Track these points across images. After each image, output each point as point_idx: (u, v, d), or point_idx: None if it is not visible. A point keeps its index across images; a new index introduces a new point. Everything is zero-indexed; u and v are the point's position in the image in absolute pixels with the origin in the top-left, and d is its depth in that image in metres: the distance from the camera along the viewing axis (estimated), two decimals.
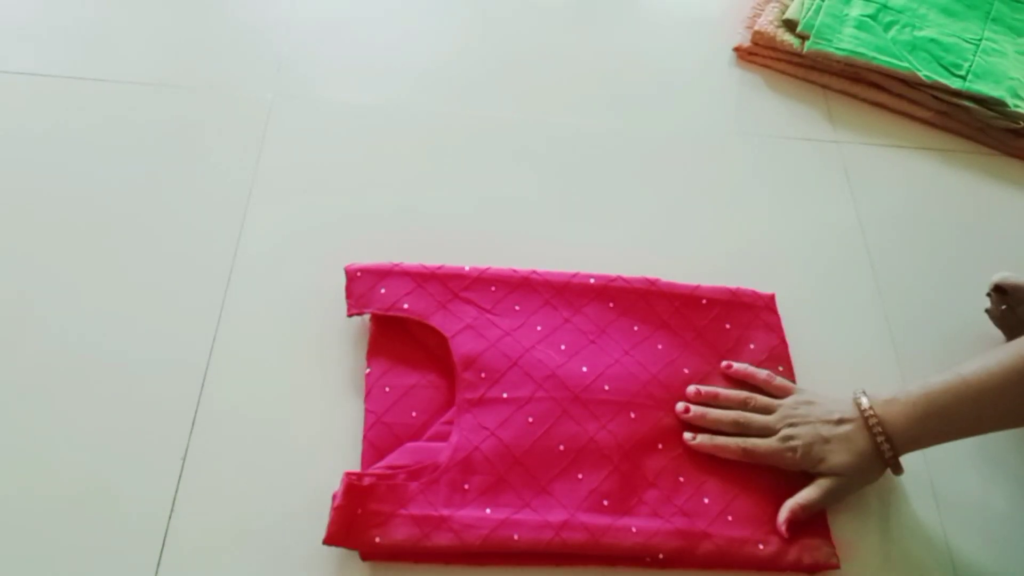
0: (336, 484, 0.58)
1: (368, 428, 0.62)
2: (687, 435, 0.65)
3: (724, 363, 0.69)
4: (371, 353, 0.66)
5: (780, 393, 0.66)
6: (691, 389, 0.67)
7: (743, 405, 0.65)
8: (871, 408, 0.61)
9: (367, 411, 0.63)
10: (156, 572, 0.56)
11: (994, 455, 0.70)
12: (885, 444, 0.60)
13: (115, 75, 0.81)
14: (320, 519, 0.58)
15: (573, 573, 0.60)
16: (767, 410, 0.65)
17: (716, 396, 0.66)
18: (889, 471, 0.62)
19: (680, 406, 0.66)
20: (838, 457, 0.61)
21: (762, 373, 0.67)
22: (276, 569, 0.57)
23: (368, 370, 0.65)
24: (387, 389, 0.64)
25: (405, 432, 0.62)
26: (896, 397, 0.61)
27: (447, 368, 0.66)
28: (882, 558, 0.63)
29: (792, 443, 0.62)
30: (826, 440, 0.61)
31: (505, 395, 0.64)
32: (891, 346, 0.75)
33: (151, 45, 0.84)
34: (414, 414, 0.63)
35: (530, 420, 0.63)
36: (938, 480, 0.68)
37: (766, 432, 0.63)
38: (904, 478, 0.68)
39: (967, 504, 0.67)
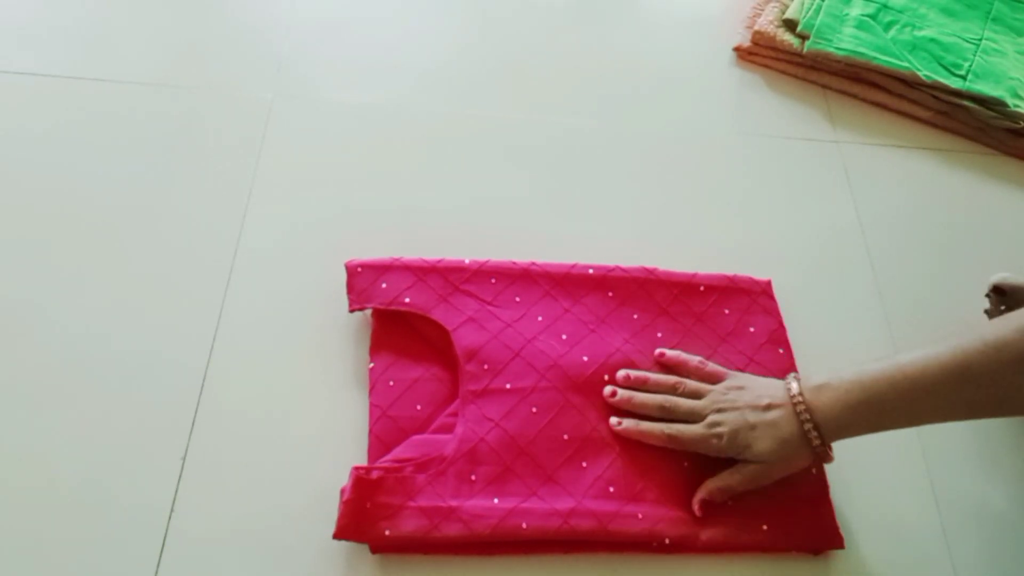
0: (341, 480, 0.59)
1: (374, 422, 0.62)
2: (613, 420, 0.64)
3: (657, 351, 0.68)
4: (374, 348, 0.66)
5: (712, 379, 0.64)
6: (621, 373, 0.66)
7: (672, 390, 0.64)
8: (800, 395, 0.59)
9: (372, 405, 0.63)
10: (156, 572, 0.56)
11: (994, 455, 0.70)
12: (813, 432, 0.58)
13: (115, 75, 0.81)
14: (326, 515, 0.58)
15: (580, 560, 0.60)
16: (696, 395, 0.63)
17: (646, 381, 0.65)
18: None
19: (607, 390, 0.65)
20: (763, 444, 0.59)
21: (694, 360, 0.66)
22: (281, 567, 0.57)
23: (371, 365, 0.65)
24: (391, 383, 0.64)
25: (410, 425, 0.63)
26: (828, 383, 0.59)
27: (450, 361, 0.66)
28: (882, 554, 0.63)
29: (718, 429, 0.60)
30: (752, 427, 0.59)
31: (508, 386, 0.64)
32: (891, 347, 0.75)
33: (151, 45, 0.84)
34: (419, 407, 0.64)
35: (534, 410, 0.64)
36: (938, 480, 0.68)
37: (693, 417, 0.62)
38: (904, 478, 0.68)
39: (967, 504, 0.67)
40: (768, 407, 0.60)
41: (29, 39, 0.82)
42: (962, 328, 0.56)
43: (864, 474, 0.67)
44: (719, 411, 0.61)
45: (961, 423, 0.70)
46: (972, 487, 0.68)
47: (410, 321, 0.68)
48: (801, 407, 0.59)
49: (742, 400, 0.61)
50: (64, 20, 0.84)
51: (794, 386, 0.60)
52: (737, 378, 0.64)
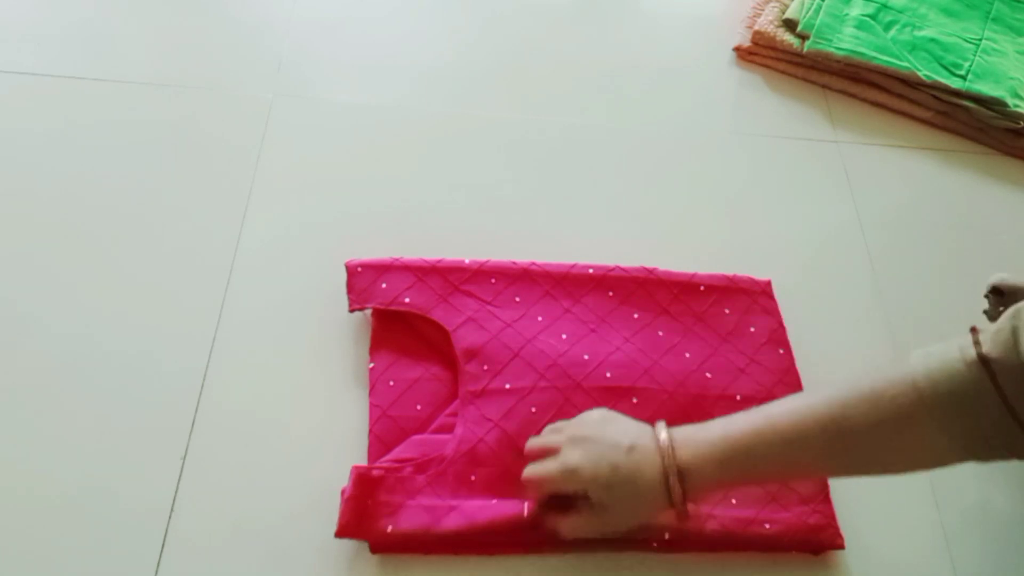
0: (341, 480, 0.59)
1: (374, 422, 0.63)
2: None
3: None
4: (374, 348, 0.66)
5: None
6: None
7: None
8: (669, 443, 0.54)
9: (372, 405, 0.64)
10: (156, 572, 0.56)
11: None
12: (676, 485, 0.53)
13: (115, 75, 0.81)
14: (326, 515, 0.58)
15: (580, 558, 0.60)
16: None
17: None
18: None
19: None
20: (623, 490, 0.54)
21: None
22: (281, 567, 0.57)
23: (371, 365, 0.66)
24: (391, 383, 0.64)
25: (410, 425, 0.63)
26: (695, 435, 0.54)
27: (449, 360, 0.66)
28: (882, 554, 0.63)
29: (573, 463, 0.55)
30: (615, 468, 0.54)
31: (508, 386, 0.64)
32: (891, 347, 0.75)
33: (151, 45, 0.84)
34: (418, 407, 0.64)
35: (533, 410, 0.64)
36: (938, 480, 0.68)
37: (547, 453, 0.57)
38: (904, 478, 0.67)
39: (967, 504, 0.67)
40: (632, 448, 0.54)
41: (29, 39, 0.82)
42: (838, 380, 0.52)
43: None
44: (574, 443, 0.56)
45: None
46: (972, 487, 0.68)
47: (410, 321, 0.68)
48: (669, 457, 0.54)
49: (604, 435, 0.56)
50: (64, 20, 0.84)
51: (663, 434, 0.55)
52: (599, 411, 0.60)
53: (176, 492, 0.59)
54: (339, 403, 0.64)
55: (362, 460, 0.61)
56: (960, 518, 0.66)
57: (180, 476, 0.60)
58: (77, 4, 0.86)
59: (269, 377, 0.65)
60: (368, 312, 0.68)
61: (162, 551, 0.57)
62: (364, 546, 0.58)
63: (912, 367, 0.49)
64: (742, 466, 0.53)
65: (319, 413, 0.64)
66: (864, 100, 0.94)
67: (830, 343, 0.74)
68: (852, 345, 0.74)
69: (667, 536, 0.60)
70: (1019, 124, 0.89)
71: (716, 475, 0.54)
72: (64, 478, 0.59)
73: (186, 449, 0.61)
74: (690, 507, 0.55)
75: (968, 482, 0.68)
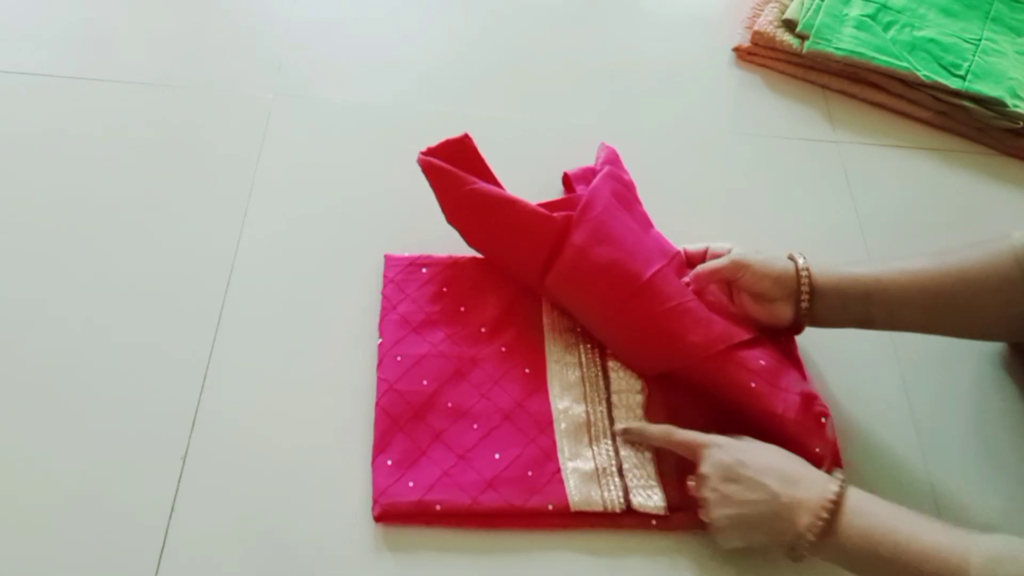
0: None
1: (381, 395, 0.64)
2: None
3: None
4: (383, 324, 0.68)
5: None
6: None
7: None
8: (806, 262, 0.64)
9: (379, 379, 0.65)
10: (156, 572, 0.56)
11: (994, 455, 0.70)
12: (806, 286, 0.63)
13: (115, 75, 0.81)
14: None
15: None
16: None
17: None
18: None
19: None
20: (763, 267, 0.64)
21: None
22: (281, 567, 0.57)
23: (380, 340, 0.67)
24: (398, 358, 0.66)
25: (416, 399, 0.64)
26: (828, 264, 0.64)
27: (456, 338, 0.68)
28: None
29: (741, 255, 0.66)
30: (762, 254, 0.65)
31: None
32: (891, 346, 0.75)
33: (151, 45, 0.84)
34: (424, 382, 0.65)
35: None
36: (938, 480, 0.68)
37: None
38: (904, 478, 0.68)
39: (967, 504, 0.67)
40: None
41: (29, 39, 0.82)
42: (949, 249, 0.62)
43: (864, 475, 0.67)
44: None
45: (965, 424, 0.71)
46: (972, 487, 0.68)
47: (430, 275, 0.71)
48: (805, 270, 0.63)
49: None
50: (64, 20, 0.85)
51: (803, 257, 0.64)
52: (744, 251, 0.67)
53: (176, 492, 0.59)
54: (340, 402, 0.65)
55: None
56: (960, 518, 0.66)
57: (180, 476, 0.60)
58: (77, 4, 0.86)
59: (269, 376, 0.65)
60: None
61: (162, 551, 0.57)
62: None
63: (1015, 242, 0.58)
64: (857, 305, 0.63)
65: (319, 412, 0.64)
66: (864, 100, 0.94)
67: (830, 342, 0.74)
68: (852, 344, 0.74)
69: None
70: (1018, 124, 0.89)
71: (835, 303, 0.63)
72: (64, 478, 0.59)
73: (186, 449, 0.61)
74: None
75: (968, 482, 0.68)
